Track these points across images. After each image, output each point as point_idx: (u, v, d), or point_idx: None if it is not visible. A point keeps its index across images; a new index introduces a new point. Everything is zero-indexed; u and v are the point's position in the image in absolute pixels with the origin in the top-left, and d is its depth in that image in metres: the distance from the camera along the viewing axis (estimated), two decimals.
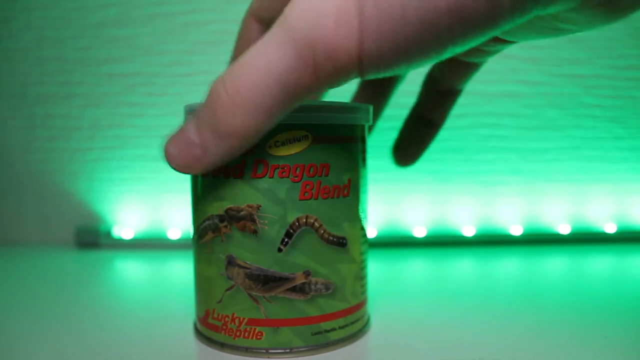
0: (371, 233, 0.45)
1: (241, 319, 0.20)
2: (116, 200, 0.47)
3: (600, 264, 0.37)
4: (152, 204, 0.47)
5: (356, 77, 0.16)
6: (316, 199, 0.20)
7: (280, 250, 0.20)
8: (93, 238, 0.45)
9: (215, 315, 0.21)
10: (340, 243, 0.21)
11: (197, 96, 0.45)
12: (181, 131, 0.18)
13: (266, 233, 0.20)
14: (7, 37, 0.46)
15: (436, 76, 0.26)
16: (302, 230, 0.20)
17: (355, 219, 0.22)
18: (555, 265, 0.36)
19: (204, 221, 0.21)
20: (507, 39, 0.20)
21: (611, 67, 0.45)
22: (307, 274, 0.20)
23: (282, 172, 0.20)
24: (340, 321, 0.21)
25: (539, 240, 0.45)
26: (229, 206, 0.20)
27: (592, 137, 0.46)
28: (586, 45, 0.45)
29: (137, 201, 0.47)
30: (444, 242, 0.44)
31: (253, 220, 0.20)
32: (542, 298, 0.28)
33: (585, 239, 0.45)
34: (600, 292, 0.29)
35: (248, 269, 0.20)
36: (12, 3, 0.46)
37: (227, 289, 0.20)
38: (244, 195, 0.20)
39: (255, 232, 0.20)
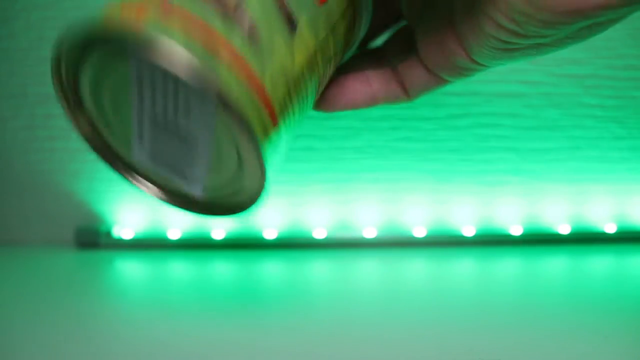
0: (371, 233, 0.45)
1: None
2: (116, 200, 0.47)
3: (600, 264, 0.37)
4: (152, 204, 0.47)
5: None
6: None
7: None
8: (93, 238, 0.45)
9: None
10: None
11: None
12: None
13: None
14: (7, 37, 0.46)
15: (403, 71, 0.25)
16: None
17: None
18: (555, 265, 0.36)
19: None
20: (475, 56, 0.20)
21: (611, 67, 0.45)
22: None
23: None
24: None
25: (539, 240, 0.45)
26: None
27: (592, 137, 0.46)
28: (586, 45, 0.45)
29: (137, 201, 0.47)
30: (444, 242, 0.44)
31: None
32: (542, 298, 0.28)
33: (585, 239, 0.45)
34: (600, 292, 0.29)
35: None
36: (12, 3, 0.46)
37: None
38: None
39: None
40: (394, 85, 0.24)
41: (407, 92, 0.24)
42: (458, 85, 0.44)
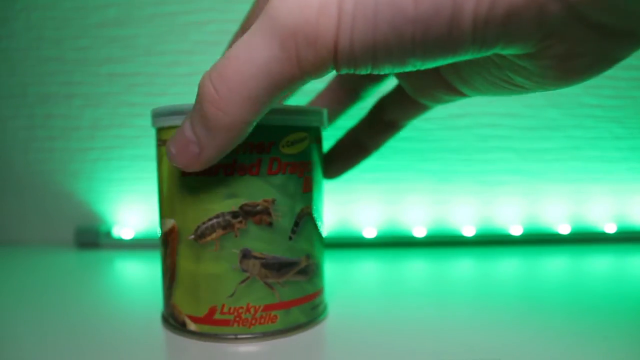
0: (371, 233, 0.45)
1: (257, 307, 0.21)
2: (116, 200, 0.47)
3: (600, 264, 0.37)
4: (152, 204, 0.47)
5: (333, 69, 0.16)
6: (311, 191, 0.23)
7: (290, 238, 0.22)
8: (93, 238, 0.45)
9: (226, 310, 0.21)
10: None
11: None
12: (178, 130, 0.19)
13: (280, 224, 0.21)
14: (7, 37, 0.46)
15: (385, 105, 0.26)
16: (304, 219, 0.22)
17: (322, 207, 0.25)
18: (555, 265, 0.36)
19: (209, 220, 0.21)
20: (462, 90, 0.21)
21: None
22: (307, 257, 0.23)
23: (292, 168, 0.22)
24: (322, 297, 0.25)
25: (539, 240, 0.45)
26: (244, 202, 0.21)
27: (592, 137, 0.46)
28: None
29: (137, 201, 0.47)
30: (444, 242, 0.44)
31: (269, 214, 0.21)
32: (542, 298, 0.28)
33: (585, 239, 0.45)
34: (600, 292, 0.29)
35: (264, 259, 0.21)
36: (12, 3, 0.46)
37: (241, 282, 0.21)
38: (260, 190, 0.21)
39: (270, 224, 0.21)
40: (383, 131, 0.27)
41: (399, 127, 0.27)
42: None
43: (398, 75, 0.23)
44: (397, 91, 0.26)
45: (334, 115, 0.29)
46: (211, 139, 0.18)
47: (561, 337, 0.22)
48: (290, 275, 0.22)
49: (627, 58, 0.16)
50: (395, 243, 0.44)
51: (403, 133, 0.46)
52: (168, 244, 0.23)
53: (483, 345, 0.21)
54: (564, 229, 0.45)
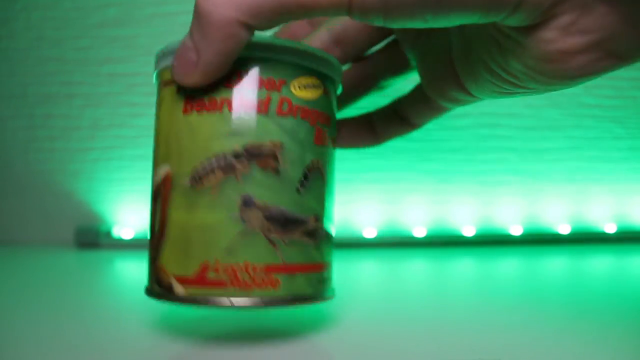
0: (371, 233, 0.45)
1: (256, 267, 0.19)
2: (116, 200, 0.47)
3: (600, 264, 0.37)
4: None
5: (346, 14, 0.16)
6: (325, 145, 0.21)
7: (298, 190, 0.19)
8: (93, 238, 0.45)
9: (219, 267, 0.18)
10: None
11: None
12: (181, 41, 0.18)
13: (287, 173, 0.19)
14: (7, 37, 0.46)
15: (402, 100, 0.27)
16: (314, 173, 0.20)
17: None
18: (555, 265, 0.36)
19: (208, 161, 0.19)
20: (467, 86, 0.21)
21: None
22: (316, 218, 0.20)
23: (304, 114, 0.20)
24: (330, 272, 0.22)
25: (539, 240, 0.45)
26: (249, 142, 0.19)
27: (592, 137, 0.46)
28: None
29: (137, 201, 0.47)
30: (444, 242, 0.44)
31: (275, 158, 0.19)
32: (542, 298, 0.28)
33: (585, 239, 0.45)
34: (600, 292, 0.29)
35: (267, 210, 0.19)
36: (12, 3, 0.46)
37: (240, 233, 0.18)
38: (267, 131, 0.19)
39: (277, 170, 0.19)
40: (397, 124, 0.27)
41: (412, 126, 0.27)
42: None
43: (418, 59, 0.23)
44: (415, 89, 0.26)
45: (350, 98, 0.28)
46: (205, 41, 0.17)
47: (561, 337, 0.22)
48: (297, 235, 0.19)
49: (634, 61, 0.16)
50: (395, 243, 0.44)
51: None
52: (159, 195, 0.20)
53: (483, 345, 0.21)
54: (564, 229, 0.45)
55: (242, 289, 0.18)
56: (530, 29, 0.16)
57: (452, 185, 0.46)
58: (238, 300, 0.18)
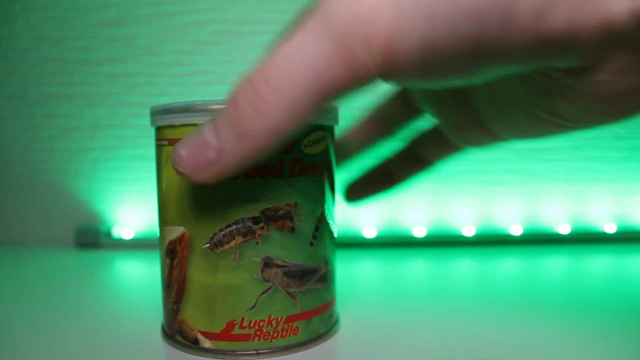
0: (371, 233, 0.45)
1: (279, 319, 0.20)
2: (116, 200, 0.47)
3: (600, 264, 0.37)
4: (152, 204, 0.47)
5: (381, 78, 0.15)
6: (331, 192, 0.22)
7: (312, 244, 0.21)
8: (93, 238, 0.45)
9: (246, 324, 0.20)
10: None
11: (197, 96, 0.45)
12: (196, 132, 0.16)
13: (302, 229, 0.20)
14: (7, 37, 0.46)
15: (419, 140, 0.26)
16: (323, 222, 0.21)
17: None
18: (555, 265, 0.36)
19: (227, 227, 0.19)
20: (496, 131, 0.20)
21: None
22: (326, 263, 0.22)
23: (314, 170, 0.21)
24: (335, 304, 0.24)
25: (539, 240, 0.45)
26: (266, 207, 0.19)
27: (592, 137, 0.46)
28: None
29: (137, 201, 0.47)
30: (444, 242, 0.44)
31: (292, 219, 0.20)
32: (542, 298, 0.28)
33: (585, 239, 0.45)
34: (600, 292, 0.29)
35: (286, 267, 0.20)
36: (12, 3, 0.46)
37: (263, 292, 0.20)
38: (283, 194, 0.20)
39: (293, 229, 0.20)
40: (414, 165, 0.26)
41: (430, 164, 0.26)
42: None
43: (434, 112, 0.23)
44: (432, 130, 0.25)
45: (360, 150, 0.27)
46: (238, 145, 0.15)
47: (561, 337, 0.22)
48: (312, 283, 0.21)
49: None
50: (395, 243, 0.44)
51: (404, 134, 0.46)
52: (176, 253, 0.21)
53: (483, 345, 0.21)
54: (564, 229, 0.45)
55: (267, 339, 0.20)
56: (581, 71, 0.14)
57: (452, 185, 0.46)
58: (263, 350, 0.20)
